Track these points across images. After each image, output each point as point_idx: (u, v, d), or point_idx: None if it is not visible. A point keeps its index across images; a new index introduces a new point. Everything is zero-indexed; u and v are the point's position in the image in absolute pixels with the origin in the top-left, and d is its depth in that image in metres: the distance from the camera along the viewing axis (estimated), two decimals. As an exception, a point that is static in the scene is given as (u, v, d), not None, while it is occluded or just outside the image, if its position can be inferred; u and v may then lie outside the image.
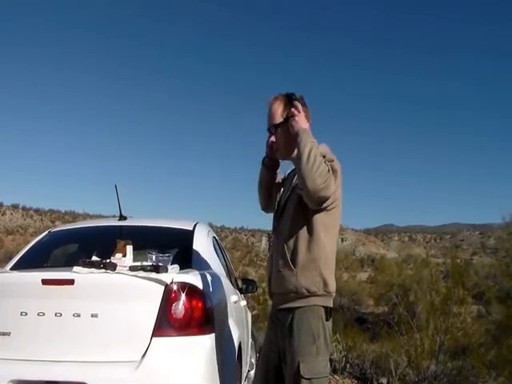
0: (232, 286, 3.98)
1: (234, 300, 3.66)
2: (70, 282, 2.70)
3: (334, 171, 2.27)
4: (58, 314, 2.70)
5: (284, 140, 2.42)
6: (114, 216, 4.05)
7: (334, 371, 7.82)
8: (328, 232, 2.37)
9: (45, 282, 2.70)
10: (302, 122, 2.35)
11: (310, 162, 2.20)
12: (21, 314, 2.73)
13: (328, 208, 2.33)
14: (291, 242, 2.38)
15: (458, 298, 7.55)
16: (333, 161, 2.31)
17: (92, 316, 2.69)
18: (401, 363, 7.38)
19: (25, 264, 3.36)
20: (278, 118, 2.41)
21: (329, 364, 2.36)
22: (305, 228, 2.36)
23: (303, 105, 2.42)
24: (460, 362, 7.06)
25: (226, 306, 3.20)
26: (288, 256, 2.38)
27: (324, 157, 2.28)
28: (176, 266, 2.99)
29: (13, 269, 3.36)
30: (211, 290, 2.95)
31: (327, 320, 2.37)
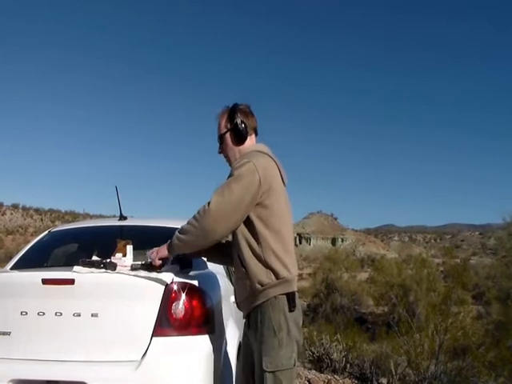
0: (232, 286, 3.98)
1: (234, 300, 3.66)
2: (70, 281, 2.70)
3: (231, 182, 2.46)
4: (58, 314, 2.70)
5: (229, 146, 2.68)
6: (114, 216, 4.05)
7: (334, 371, 7.83)
8: (268, 223, 2.49)
9: (45, 281, 2.70)
10: (160, 253, 2.67)
11: (185, 238, 2.54)
12: (21, 314, 2.73)
13: (258, 203, 2.47)
14: (237, 247, 2.53)
15: (457, 298, 7.56)
16: (237, 169, 2.49)
17: (92, 316, 2.69)
18: (401, 363, 7.39)
19: (25, 264, 3.36)
20: (222, 129, 2.69)
21: (295, 355, 2.42)
22: (244, 229, 2.50)
23: (250, 112, 2.69)
24: (460, 362, 7.07)
25: (226, 306, 3.20)
26: (238, 261, 2.53)
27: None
28: (176, 266, 2.99)
29: (13, 268, 3.36)
30: (211, 289, 2.95)
31: (291, 310, 2.44)
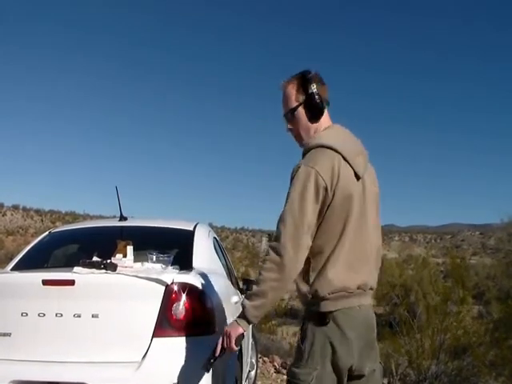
0: (232, 287, 3.98)
1: (235, 300, 3.66)
2: (71, 282, 2.70)
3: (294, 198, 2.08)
4: (59, 315, 2.70)
5: (300, 124, 2.26)
6: (114, 216, 4.06)
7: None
8: (323, 234, 2.16)
9: (45, 282, 2.70)
10: (234, 334, 2.16)
11: (265, 292, 2.06)
12: (21, 315, 2.73)
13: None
14: None
15: (457, 297, 7.55)
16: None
17: (93, 316, 2.69)
18: (401, 363, 7.38)
19: (25, 264, 3.37)
20: (293, 103, 2.23)
21: (315, 374, 2.08)
22: None
23: (319, 81, 2.23)
24: (460, 361, 7.07)
25: (227, 307, 3.20)
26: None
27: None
28: (176, 267, 3.00)
29: (13, 269, 3.36)
30: (212, 290, 2.95)
31: (321, 324, 2.12)
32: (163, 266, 2.95)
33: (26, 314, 2.73)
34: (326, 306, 2.11)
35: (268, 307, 2.13)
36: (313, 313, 2.16)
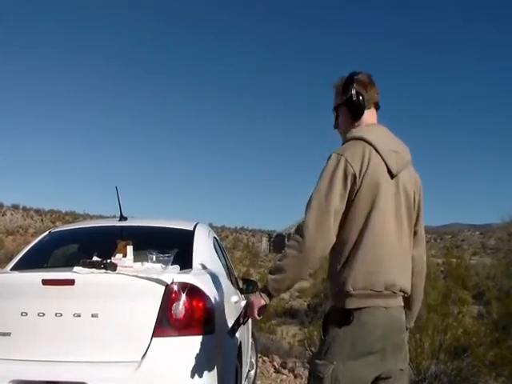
0: (232, 286, 3.98)
1: (235, 300, 3.67)
2: (71, 282, 2.70)
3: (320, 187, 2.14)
4: (59, 314, 2.71)
5: (343, 121, 2.37)
6: (114, 216, 4.06)
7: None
8: (349, 224, 2.17)
9: (45, 282, 2.70)
10: (256, 305, 2.22)
11: (287, 269, 2.14)
12: (21, 315, 2.73)
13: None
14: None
15: (457, 297, 7.55)
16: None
17: (92, 316, 2.69)
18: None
19: (25, 264, 3.37)
20: (337, 101, 2.37)
21: (331, 368, 2.09)
22: None
23: (369, 83, 2.33)
24: (460, 361, 7.07)
25: (227, 307, 3.20)
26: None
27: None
28: (176, 267, 3.00)
29: (13, 269, 3.36)
30: (211, 290, 2.95)
31: (344, 322, 2.12)
32: (163, 266, 2.95)
33: (26, 314, 2.73)
34: (350, 303, 2.12)
35: (288, 283, 2.18)
36: (337, 308, 2.17)
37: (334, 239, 2.14)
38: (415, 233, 2.35)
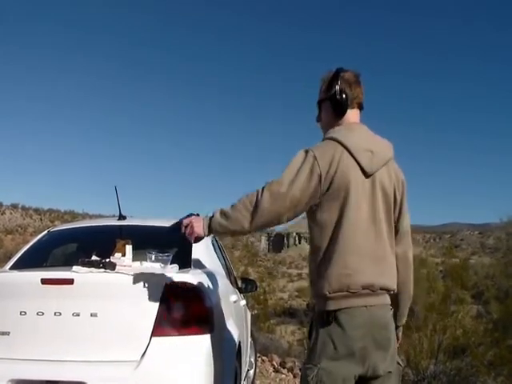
0: (231, 286, 3.98)
1: (234, 299, 3.66)
2: (70, 281, 2.70)
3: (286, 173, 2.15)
4: (58, 314, 2.70)
5: (325, 116, 2.34)
6: (113, 216, 4.05)
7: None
8: (320, 229, 2.19)
9: (44, 281, 2.70)
10: (196, 227, 2.27)
11: (238, 212, 2.17)
12: (20, 314, 2.73)
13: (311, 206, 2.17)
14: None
15: (456, 297, 7.56)
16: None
17: (91, 315, 2.69)
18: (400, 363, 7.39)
19: (24, 263, 3.36)
20: (322, 96, 2.33)
21: (314, 372, 2.10)
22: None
23: (355, 82, 2.29)
24: (459, 361, 7.07)
25: (226, 306, 3.20)
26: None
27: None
28: (175, 266, 2.99)
29: (12, 268, 3.35)
30: (210, 289, 2.95)
31: (325, 323, 2.14)
32: (162, 265, 2.94)
33: (25, 313, 2.72)
34: (328, 305, 2.13)
35: (226, 233, 2.32)
36: (319, 312, 2.18)
37: (281, 220, 2.18)
38: (397, 231, 2.32)
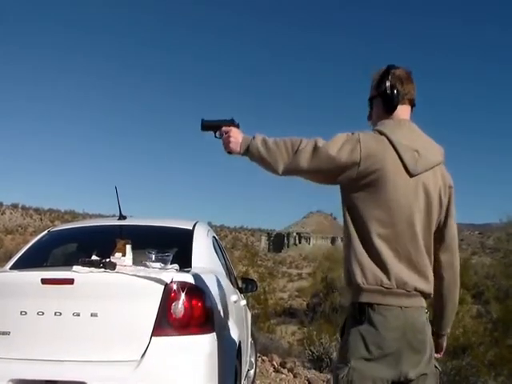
0: (232, 286, 3.98)
1: (234, 299, 3.66)
2: (70, 281, 2.70)
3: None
4: (58, 314, 2.70)
5: (376, 113, 2.32)
6: (113, 215, 4.05)
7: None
8: (353, 223, 2.15)
9: (44, 281, 2.70)
10: (233, 142, 2.26)
11: (270, 152, 2.15)
12: (20, 314, 2.73)
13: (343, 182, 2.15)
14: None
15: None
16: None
17: (92, 315, 2.69)
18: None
19: (24, 263, 3.36)
20: (373, 92, 2.32)
21: (345, 371, 2.07)
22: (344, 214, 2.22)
23: (407, 78, 2.28)
24: (459, 361, 7.07)
25: (226, 306, 3.20)
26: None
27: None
28: (176, 266, 2.99)
29: (12, 268, 3.35)
30: (211, 289, 2.95)
31: (357, 322, 2.09)
32: (162, 265, 2.95)
33: (25, 313, 2.72)
34: (361, 297, 2.10)
35: (262, 160, 2.19)
36: (352, 304, 2.15)
37: (310, 177, 2.19)
38: (442, 237, 2.27)
